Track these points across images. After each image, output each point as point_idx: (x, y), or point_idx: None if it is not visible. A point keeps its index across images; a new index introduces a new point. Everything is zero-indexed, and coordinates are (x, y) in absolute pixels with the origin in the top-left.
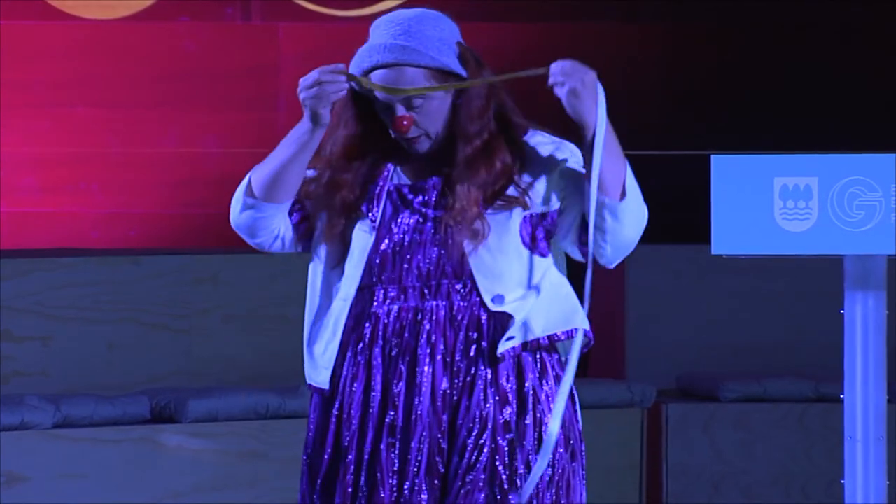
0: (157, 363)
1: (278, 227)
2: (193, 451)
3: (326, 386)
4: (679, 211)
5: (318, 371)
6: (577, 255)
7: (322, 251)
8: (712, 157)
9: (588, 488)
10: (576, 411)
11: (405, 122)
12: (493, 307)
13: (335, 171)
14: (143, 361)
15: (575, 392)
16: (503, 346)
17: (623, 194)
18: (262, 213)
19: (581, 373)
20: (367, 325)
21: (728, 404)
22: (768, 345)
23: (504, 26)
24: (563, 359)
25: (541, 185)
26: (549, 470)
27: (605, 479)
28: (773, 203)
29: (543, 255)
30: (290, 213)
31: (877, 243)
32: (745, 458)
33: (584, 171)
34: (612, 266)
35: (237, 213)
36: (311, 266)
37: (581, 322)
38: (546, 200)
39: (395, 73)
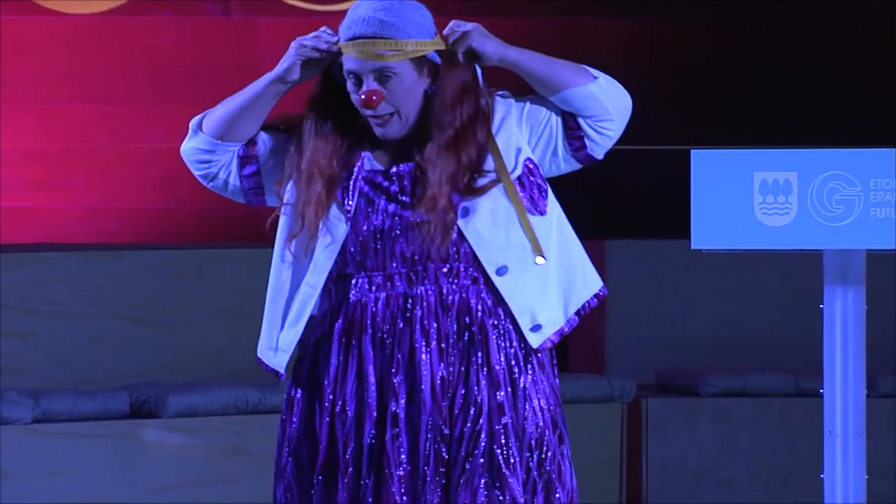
0: (140, 358)
1: (220, 167)
2: (173, 447)
3: (282, 369)
4: (659, 205)
5: (276, 353)
6: (575, 164)
7: (290, 223)
8: (692, 151)
9: None
10: (558, 398)
11: (374, 98)
12: (497, 280)
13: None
14: (125, 356)
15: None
16: (536, 339)
17: (582, 79)
18: (204, 146)
19: (561, 367)
20: (355, 314)
21: (708, 399)
22: (748, 339)
23: (493, 21)
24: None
25: (510, 153)
26: (538, 454)
27: (585, 474)
28: (753, 198)
29: (542, 214)
30: (244, 165)
31: (856, 238)
32: (726, 452)
33: (527, 101)
34: (603, 153)
35: (185, 140)
36: (277, 237)
37: (593, 283)
38: (517, 163)
39: (370, 46)
